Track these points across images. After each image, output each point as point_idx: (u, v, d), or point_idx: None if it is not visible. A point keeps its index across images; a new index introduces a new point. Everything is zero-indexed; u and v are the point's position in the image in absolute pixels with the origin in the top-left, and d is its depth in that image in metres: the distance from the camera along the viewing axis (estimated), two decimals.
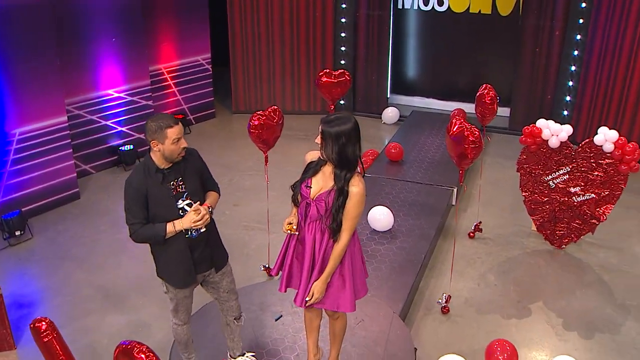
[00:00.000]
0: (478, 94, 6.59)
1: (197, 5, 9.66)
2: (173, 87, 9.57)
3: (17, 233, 6.84)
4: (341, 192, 3.68)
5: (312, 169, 3.87)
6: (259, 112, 5.64)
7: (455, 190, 7.63)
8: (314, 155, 3.91)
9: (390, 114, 10.56)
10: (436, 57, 11.00)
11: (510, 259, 6.68)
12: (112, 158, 8.50)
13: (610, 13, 8.92)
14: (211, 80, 10.22)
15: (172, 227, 3.91)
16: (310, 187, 3.81)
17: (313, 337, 4.46)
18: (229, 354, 4.69)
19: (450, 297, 5.83)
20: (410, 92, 11.27)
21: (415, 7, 10.71)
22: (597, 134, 6.24)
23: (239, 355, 4.66)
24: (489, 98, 6.40)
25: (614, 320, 5.72)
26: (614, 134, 6.18)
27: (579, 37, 9.31)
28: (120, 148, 8.45)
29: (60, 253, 6.74)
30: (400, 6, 10.77)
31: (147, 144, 3.89)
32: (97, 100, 8.12)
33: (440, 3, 10.51)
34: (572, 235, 6.75)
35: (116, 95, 8.26)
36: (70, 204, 7.68)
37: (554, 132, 6.37)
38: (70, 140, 7.46)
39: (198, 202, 3.93)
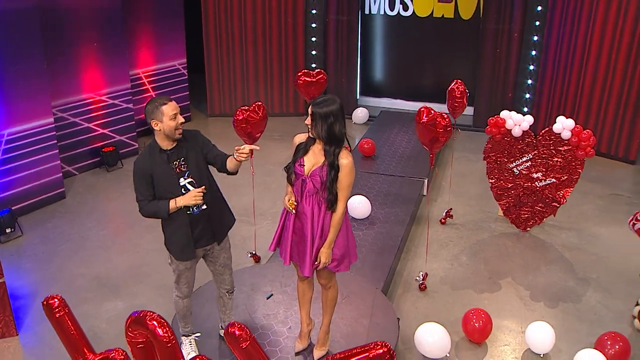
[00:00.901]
0: (449, 88, 7.06)
1: (172, 12, 10.00)
2: (151, 91, 9.88)
3: (8, 230, 7.06)
4: (332, 166, 4.10)
5: (302, 149, 4.26)
6: (243, 107, 6.04)
7: (426, 181, 8.10)
8: (301, 137, 4.31)
9: (360, 114, 11.02)
10: (402, 60, 11.50)
11: (479, 241, 7.17)
12: (94, 159, 8.75)
13: (564, 15, 9.56)
14: (187, 84, 10.55)
15: (173, 204, 4.28)
16: (304, 165, 4.21)
17: (306, 309, 4.84)
18: (220, 325, 5.05)
19: (427, 274, 6.28)
20: (378, 94, 11.75)
21: (382, 12, 11.21)
22: (555, 123, 6.79)
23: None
24: (459, 92, 6.88)
25: (576, 291, 6.23)
26: (570, 123, 6.72)
27: (535, 38, 9.92)
28: (102, 150, 8.69)
29: (51, 248, 6.97)
30: (367, 11, 11.25)
31: (150, 128, 4.26)
32: (79, 103, 8.38)
33: (406, 8, 11.04)
34: (536, 218, 7.27)
35: (98, 98, 8.54)
36: (57, 203, 7.91)
37: (517, 122, 6.88)
38: (56, 141, 7.70)
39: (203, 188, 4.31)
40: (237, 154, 4.23)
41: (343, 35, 10.96)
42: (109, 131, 8.78)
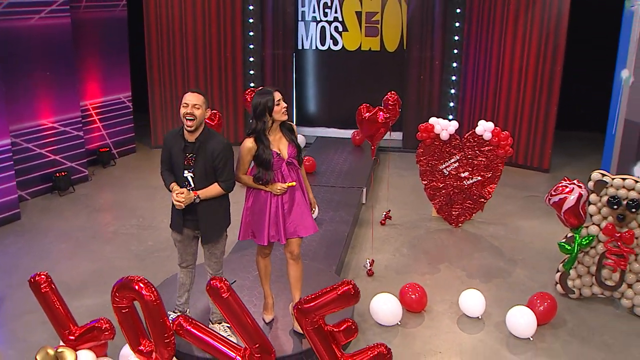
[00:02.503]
0: (384, 98, 7.83)
1: (118, 47, 10.51)
2: (98, 122, 10.27)
3: None
4: (291, 131, 4.97)
5: (266, 148, 4.79)
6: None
7: (364, 189, 8.79)
8: (250, 144, 4.80)
9: (298, 140, 11.68)
10: (334, 91, 12.32)
11: (417, 237, 7.87)
12: (46, 185, 9.00)
13: (478, 44, 10.68)
14: (132, 117, 10.99)
15: (171, 188, 4.88)
16: (280, 154, 4.84)
17: (268, 283, 5.38)
18: (209, 318, 5.37)
19: (373, 261, 6.88)
20: (313, 124, 12.49)
21: (314, 47, 12.08)
22: (477, 126, 7.66)
23: (217, 322, 5.32)
24: (393, 100, 7.63)
25: (506, 269, 6.98)
26: (490, 125, 7.61)
27: (455, 64, 10.97)
28: (55, 175, 8.98)
29: (12, 261, 7.12)
30: (300, 47, 12.10)
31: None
32: (32, 129, 8.69)
33: (335, 43, 11.94)
34: (466, 214, 8.05)
35: (50, 125, 8.89)
36: (13, 224, 8.09)
37: (444, 127, 7.71)
38: (13, 162, 7.99)
39: (191, 189, 4.81)
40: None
41: (279, 68, 11.72)
42: (60, 157, 9.09)
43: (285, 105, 4.83)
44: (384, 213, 8.25)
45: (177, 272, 5.38)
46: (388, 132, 7.26)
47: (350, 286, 4.24)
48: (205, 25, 11.24)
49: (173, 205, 4.90)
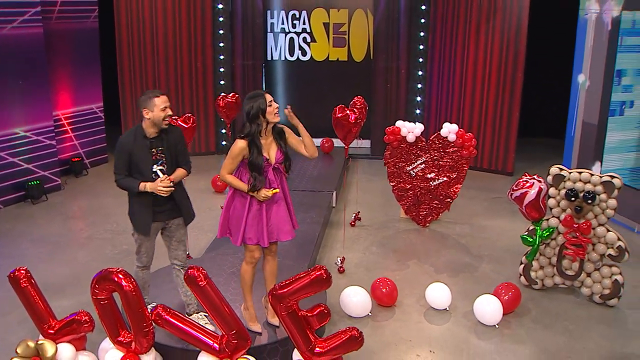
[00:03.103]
0: (351, 102, 8.06)
1: (90, 59, 10.66)
2: (70, 132, 10.36)
3: None
4: (281, 136, 5.01)
5: (257, 154, 4.86)
6: (174, 117, 6.77)
7: (334, 193, 9.01)
8: (243, 145, 4.86)
9: None
10: (303, 100, 12.52)
11: (387, 236, 8.10)
12: (19, 194, 9.05)
13: (442, 52, 11.05)
14: (104, 127, 11.09)
15: (143, 187, 4.95)
16: (268, 159, 4.93)
17: (252, 292, 5.36)
18: (186, 311, 5.44)
19: (344, 258, 7.09)
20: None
21: (283, 58, 12.33)
22: (442, 128, 7.95)
23: (194, 312, 5.46)
24: (360, 103, 7.85)
25: (473, 264, 7.25)
26: (454, 127, 7.90)
27: (420, 73, 11.31)
28: (28, 183, 9.04)
29: None
30: (270, 58, 12.34)
31: (141, 115, 4.97)
32: (4, 138, 8.75)
33: (304, 53, 12.22)
34: (433, 214, 8.31)
35: (22, 134, 8.96)
36: None
37: (410, 129, 7.98)
38: None
39: (166, 176, 4.97)
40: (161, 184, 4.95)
41: (249, 79, 11.94)
42: (32, 166, 9.15)
43: (277, 105, 4.91)
44: (354, 214, 8.48)
45: (135, 270, 5.36)
46: (357, 139, 7.51)
47: (323, 271, 4.45)
48: (176, 36, 11.42)
49: (137, 208, 5.07)
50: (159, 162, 5.00)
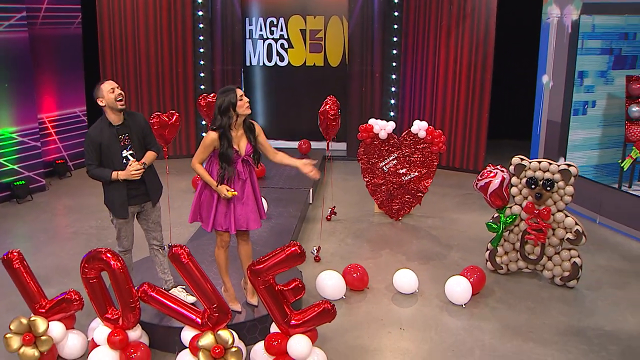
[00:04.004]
0: (324, 101, 8.42)
1: (73, 64, 11.00)
2: (54, 135, 10.64)
3: None
4: (251, 131, 5.31)
5: (229, 146, 5.20)
6: (158, 113, 7.13)
7: (311, 190, 9.38)
8: (214, 137, 5.19)
9: None
10: (281, 105, 12.94)
11: (361, 229, 8.48)
12: (4, 194, 9.30)
13: (415, 56, 11.50)
14: (87, 130, 11.33)
15: (115, 175, 5.28)
16: (237, 151, 5.26)
17: (228, 274, 5.73)
18: (164, 287, 5.76)
19: (320, 247, 7.45)
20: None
21: (261, 63, 12.71)
22: (412, 125, 8.37)
23: (172, 287, 5.81)
24: (332, 102, 8.23)
25: (442, 253, 7.64)
26: (424, 124, 8.31)
27: (393, 76, 11.75)
28: (14, 183, 9.30)
29: None
30: (248, 63, 12.72)
31: (100, 108, 5.31)
32: None
33: (282, 59, 12.60)
34: (406, 208, 8.70)
35: (8, 135, 9.23)
36: None
37: (382, 127, 8.38)
38: None
39: (136, 161, 5.31)
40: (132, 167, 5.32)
41: (228, 83, 12.21)
42: (18, 167, 9.42)
43: (247, 100, 5.22)
44: (330, 209, 8.85)
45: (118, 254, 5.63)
46: (332, 141, 7.94)
47: (297, 247, 4.80)
48: (157, 42, 11.77)
49: (113, 195, 5.39)
50: (128, 147, 5.34)
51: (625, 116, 9.09)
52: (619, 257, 7.65)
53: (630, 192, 8.80)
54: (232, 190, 5.23)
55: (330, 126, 7.46)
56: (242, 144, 5.27)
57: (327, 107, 7.67)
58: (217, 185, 5.21)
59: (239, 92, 5.18)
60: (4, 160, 9.24)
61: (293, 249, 4.79)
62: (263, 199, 7.97)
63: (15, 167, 9.41)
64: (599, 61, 9.45)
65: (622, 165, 8.99)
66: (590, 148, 9.77)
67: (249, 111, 5.22)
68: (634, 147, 8.83)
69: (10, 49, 9.14)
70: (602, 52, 9.40)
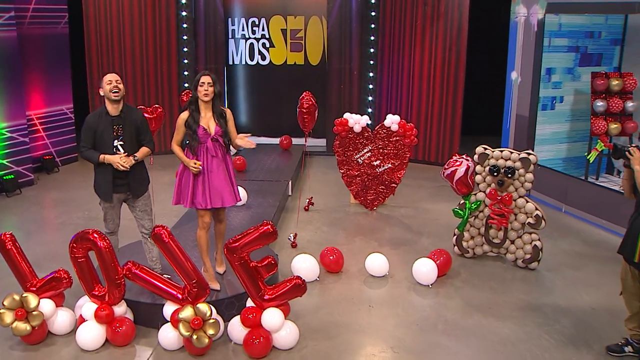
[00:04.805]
0: (300, 97, 8.80)
1: (60, 62, 11.34)
2: (42, 131, 10.98)
3: None
4: (222, 117, 5.78)
5: (195, 122, 5.75)
6: (141, 107, 7.53)
7: (290, 182, 9.78)
8: (184, 117, 5.79)
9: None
10: (263, 102, 13.35)
11: (337, 218, 8.89)
12: None
13: (391, 55, 11.96)
14: (74, 127, 11.70)
15: (102, 158, 5.67)
16: (206, 130, 5.74)
17: (208, 255, 6.16)
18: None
19: (296, 234, 7.85)
20: (244, 133, 13.39)
21: (243, 62, 13.12)
22: (385, 119, 8.79)
23: (161, 274, 6.17)
24: (307, 96, 8.58)
25: (413, 239, 8.06)
26: (397, 118, 8.74)
27: (371, 74, 12.19)
28: (4, 177, 9.63)
29: None
30: (231, 62, 13.12)
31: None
32: None
33: (263, 58, 13.03)
34: (380, 198, 9.13)
35: None
36: None
37: (356, 121, 8.80)
38: None
39: (126, 154, 5.70)
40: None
41: None
42: (7, 161, 9.75)
43: (208, 90, 5.67)
44: (307, 200, 9.25)
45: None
46: (308, 137, 8.36)
47: (269, 226, 5.20)
48: (142, 42, 12.15)
49: (100, 179, 5.79)
50: (119, 138, 5.73)
51: (591, 111, 9.56)
52: (581, 242, 8.10)
53: (595, 182, 9.27)
54: (199, 163, 5.72)
55: (304, 119, 7.84)
56: (211, 125, 5.77)
57: (303, 101, 8.06)
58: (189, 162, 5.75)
59: (204, 78, 5.73)
60: None
61: (265, 227, 5.19)
62: (242, 189, 8.44)
63: (4, 161, 9.74)
64: (566, 58, 9.94)
65: (588, 157, 9.43)
66: (559, 142, 10.25)
67: (205, 99, 5.72)
68: (599, 140, 9.27)
69: (0, 48, 9.47)
70: (569, 49, 9.90)
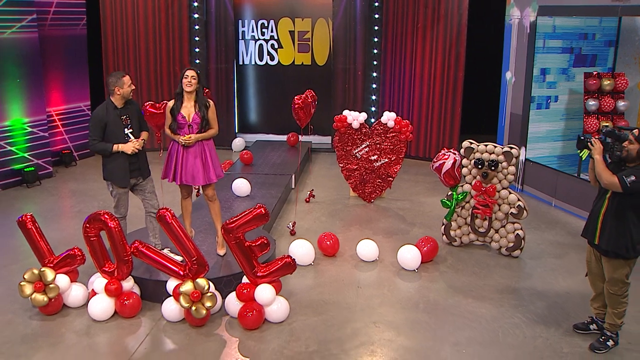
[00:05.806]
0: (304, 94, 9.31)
1: (79, 62, 11.99)
2: (60, 127, 11.62)
3: None
4: (206, 107, 6.51)
5: (176, 110, 6.53)
6: (154, 103, 8.06)
7: (293, 175, 10.31)
8: (170, 104, 6.59)
9: (237, 142, 13.29)
10: (271, 101, 13.88)
11: (336, 209, 9.40)
12: (16, 179, 10.26)
13: (394, 56, 12.44)
14: (94, 111, 12.30)
15: (116, 148, 6.26)
16: (185, 117, 6.48)
17: (189, 220, 6.94)
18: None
19: (295, 222, 8.37)
20: (253, 131, 14.03)
21: (253, 62, 13.68)
22: (382, 116, 9.29)
23: (161, 249, 6.74)
24: (306, 94, 9.08)
25: (406, 229, 8.55)
26: (393, 114, 9.23)
27: (374, 74, 12.68)
28: (24, 169, 10.26)
29: None
30: (241, 62, 13.68)
31: (110, 92, 6.30)
32: (3, 128, 10.01)
33: (272, 58, 13.57)
34: (377, 191, 9.62)
35: (20, 125, 10.21)
36: None
37: (354, 117, 9.31)
38: None
39: (135, 139, 6.38)
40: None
41: (222, 81, 13.26)
42: (28, 155, 10.39)
43: (191, 82, 6.41)
44: (309, 192, 9.77)
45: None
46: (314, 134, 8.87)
47: (262, 209, 5.73)
48: (156, 43, 12.75)
49: (114, 167, 6.39)
50: (129, 126, 6.40)
51: (584, 110, 9.97)
52: (566, 233, 8.54)
53: (582, 177, 9.67)
54: (187, 136, 6.50)
55: (298, 113, 8.34)
56: (190, 114, 6.51)
57: (295, 98, 8.53)
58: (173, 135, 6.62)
59: (188, 72, 6.54)
60: (16, 148, 10.20)
61: (259, 210, 5.72)
62: (246, 180, 8.99)
63: (25, 154, 10.37)
64: (561, 59, 10.36)
65: (580, 155, 9.81)
66: (553, 139, 10.67)
67: (189, 89, 6.50)
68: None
69: (22, 48, 10.12)
70: (563, 51, 10.31)
